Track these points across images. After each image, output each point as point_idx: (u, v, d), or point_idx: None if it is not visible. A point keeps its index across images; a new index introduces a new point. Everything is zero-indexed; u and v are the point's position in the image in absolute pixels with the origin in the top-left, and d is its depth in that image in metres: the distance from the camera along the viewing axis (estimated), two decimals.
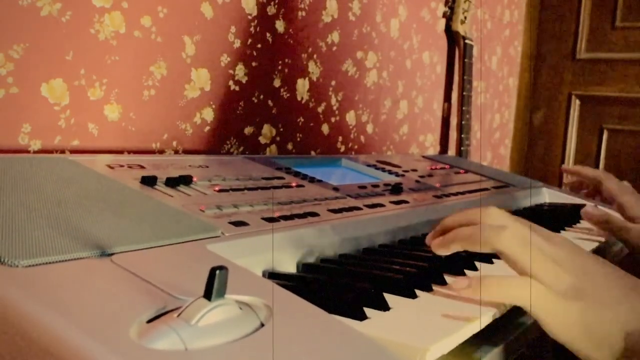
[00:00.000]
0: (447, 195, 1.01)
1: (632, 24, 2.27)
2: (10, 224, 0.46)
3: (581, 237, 0.90)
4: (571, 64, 2.40)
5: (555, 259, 0.50)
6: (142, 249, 0.47)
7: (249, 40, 1.10)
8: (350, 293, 0.48)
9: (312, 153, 1.31)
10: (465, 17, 1.81)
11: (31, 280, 0.38)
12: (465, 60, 1.79)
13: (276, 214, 0.66)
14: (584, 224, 0.92)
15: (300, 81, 1.24)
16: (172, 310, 0.37)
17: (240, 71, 1.09)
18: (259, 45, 1.12)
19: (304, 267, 0.61)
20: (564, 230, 0.97)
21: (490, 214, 0.55)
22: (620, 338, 0.47)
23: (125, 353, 0.31)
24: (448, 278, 0.59)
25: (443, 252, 0.55)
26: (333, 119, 1.36)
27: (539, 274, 0.49)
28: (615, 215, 0.88)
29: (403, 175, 1.08)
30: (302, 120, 1.26)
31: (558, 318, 0.48)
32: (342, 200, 0.80)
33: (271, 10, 1.14)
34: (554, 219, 1.03)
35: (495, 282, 0.49)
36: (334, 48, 1.33)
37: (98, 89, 0.86)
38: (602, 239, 0.88)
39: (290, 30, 1.20)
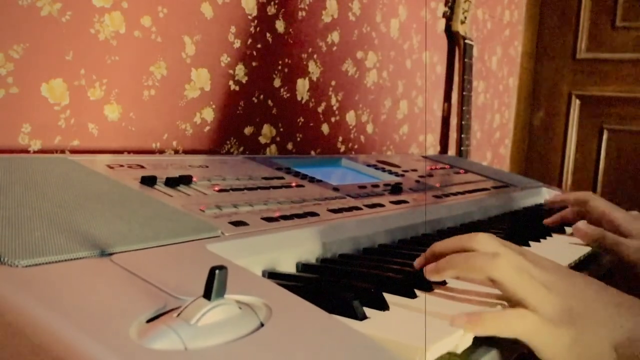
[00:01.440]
0: (447, 195, 1.01)
1: (632, 24, 2.27)
2: (10, 224, 0.46)
3: (578, 242, 0.89)
4: (571, 64, 2.40)
5: (546, 284, 0.51)
6: (141, 249, 0.47)
7: (249, 40, 1.10)
8: (350, 293, 0.48)
9: (312, 153, 1.31)
10: (465, 17, 1.81)
11: (31, 280, 0.38)
12: (465, 60, 1.79)
13: (276, 214, 0.66)
14: (581, 224, 0.91)
15: (300, 81, 1.24)
16: (171, 310, 0.37)
17: (240, 71, 1.09)
18: (259, 45, 1.13)
19: (303, 267, 0.61)
20: (563, 231, 0.97)
21: (480, 241, 0.55)
22: (611, 356, 0.48)
23: (125, 353, 0.31)
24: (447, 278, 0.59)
25: (436, 278, 0.55)
26: (333, 119, 1.36)
27: (532, 301, 0.50)
28: (606, 232, 0.87)
29: (403, 175, 1.08)
30: (302, 120, 1.26)
31: (552, 345, 0.49)
32: (342, 200, 0.80)
33: (271, 10, 1.14)
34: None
35: (491, 317, 0.49)
36: (334, 48, 1.33)
37: (98, 89, 0.86)
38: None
39: (290, 30, 1.20)
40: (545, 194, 1.33)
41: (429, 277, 0.55)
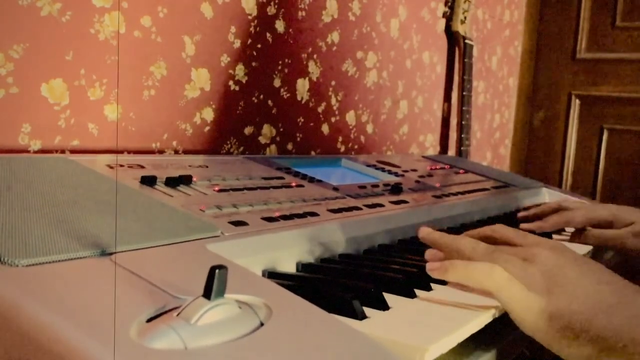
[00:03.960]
0: (447, 195, 1.01)
1: (632, 24, 2.27)
2: (10, 224, 0.46)
3: (572, 240, 0.90)
4: (571, 64, 2.40)
5: (532, 259, 0.52)
6: (142, 249, 0.47)
7: (249, 40, 1.10)
8: (350, 292, 0.48)
9: (312, 153, 1.31)
10: (465, 17, 1.81)
11: (31, 279, 0.39)
12: (465, 60, 1.79)
13: (276, 214, 0.66)
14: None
15: (300, 81, 1.24)
16: (171, 310, 0.37)
17: (240, 71, 1.09)
18: (259, 45, 1.13)
19: (303, 267, 0.61)
20: (563, 230, 0.97)
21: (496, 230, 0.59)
22: (586, 330, 0.47)
23: (125, 352, 0.31)
24: None
25: (436, 276, 0.54)
26: (333, 119, 1.36)
27: (507, 267, 0.50)
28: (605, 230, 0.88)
29: (403, 175, 1.08)
30: (302, 120, 1.26)
31: (522, 307, 0.49)
32: (341, 200, 0.80)
33: (271, 10, 1.14)
34: None
35: (462, 267, 0.51)
36: (334, 48, 1.33)
37: (98, 89, 0.86)
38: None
39: (290, 30, 1.20)
40: (545, 194, 1.33)
41: (431, 274, 0.54)
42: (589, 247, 0.85)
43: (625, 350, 0.45)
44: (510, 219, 1.05)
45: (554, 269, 0.51)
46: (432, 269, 0.53)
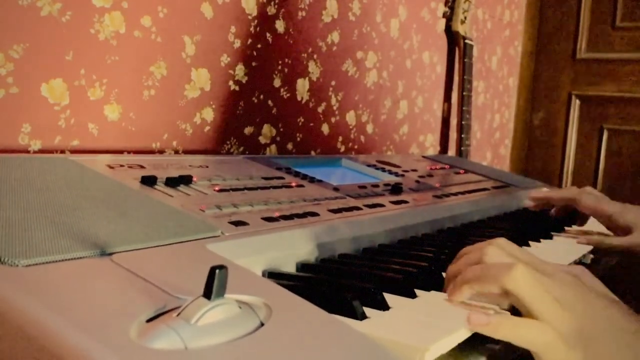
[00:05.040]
0: (447, 195, 1.01)
1: (632, 24, 2.27)
2: (10, 224, 0.46)
3: (579, 241, 0.90)
4: (571, 64, 2.40)
5: (560, 300, 0.49)
6: (142, 249, 0.47)
7: (249, 40, 1.10)
8: (350, 293, 0.48)
9: (312, 153, 1.31)
10: (465, 17, 1.81)
11: (31, 280, 0.38)
12: (465, 60, 1.79)
13: (276, 214, 0.66)
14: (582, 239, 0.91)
15: (300, 81, 1.24)
16: (171, 310, 0.37)
17: (240, 71, 1.09)
18: (259, 45, 1.13)
19: (303, 267, 0.61)
20: (563, 230, 0.97)
21: (489, 253, 0.54)
22: None
23: (125, 352, 0.31)
24: None
25: (458, 298, 0.52)
26: (333, 119, 1.36)
27: (547, 317, 0.48)
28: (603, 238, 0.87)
29: (403, 175, 1.08)
30: (302, 120, 1.26)
31: None
32: (342, 200, 0.80)
33: (271, 10, 1.14)
34: (553, 219, 1.03)
35: (511, 324, 0.48)
36: (334, 48, 1.33)
37: (98, 89, 0.86)
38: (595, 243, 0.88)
39: (290, 30, 1.20)
40: None
41: (452, 300, 0.52)
42: (589, 247, 0.85)
43: None
44: (510, 219, 1.05)
45: (585, 318, 0.49)
46: (479, 324, 0.46)
